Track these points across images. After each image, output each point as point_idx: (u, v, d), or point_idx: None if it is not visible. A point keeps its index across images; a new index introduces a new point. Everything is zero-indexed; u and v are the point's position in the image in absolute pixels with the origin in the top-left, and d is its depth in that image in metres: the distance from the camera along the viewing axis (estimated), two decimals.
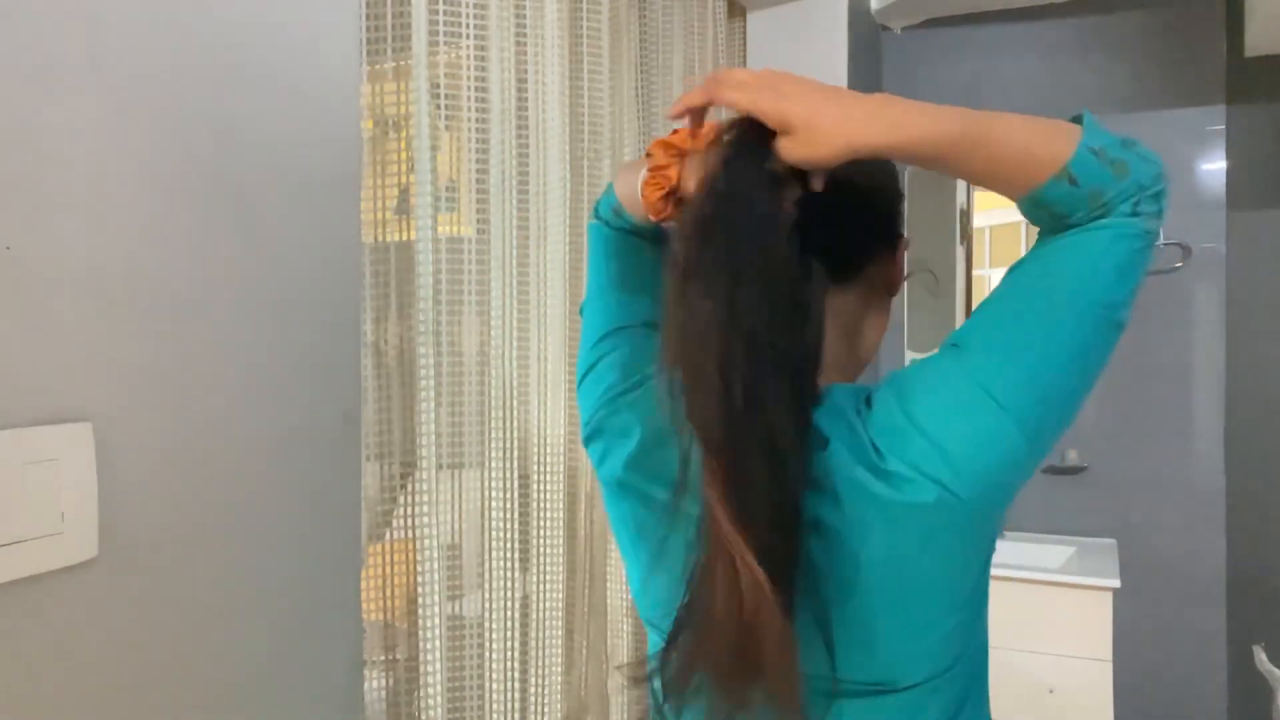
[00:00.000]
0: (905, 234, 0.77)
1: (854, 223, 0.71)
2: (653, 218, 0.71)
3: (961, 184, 2.68)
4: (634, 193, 0.72)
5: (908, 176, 2.71)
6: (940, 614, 0.64)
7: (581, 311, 0.84)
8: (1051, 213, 0.59)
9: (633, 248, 0.79)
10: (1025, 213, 0.62)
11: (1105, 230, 0.57)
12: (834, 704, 0.64)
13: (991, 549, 0.66)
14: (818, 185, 0.62)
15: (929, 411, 0.60)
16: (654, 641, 0.75)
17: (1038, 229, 0.63)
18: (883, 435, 0.61)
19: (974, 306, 2.65)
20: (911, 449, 0.59)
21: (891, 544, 0.61)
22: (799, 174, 0.62)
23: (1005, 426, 0.58)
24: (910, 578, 0.62)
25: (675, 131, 0.70)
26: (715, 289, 0.57)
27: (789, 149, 0.60)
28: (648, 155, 0.70)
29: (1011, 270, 0.62)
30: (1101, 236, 0.57)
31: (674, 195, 0.68)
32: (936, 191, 2.70)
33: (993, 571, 2.40)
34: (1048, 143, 0.57)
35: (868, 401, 0.64)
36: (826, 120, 0.58)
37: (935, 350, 0.66)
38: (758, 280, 0.57)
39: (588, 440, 0.77)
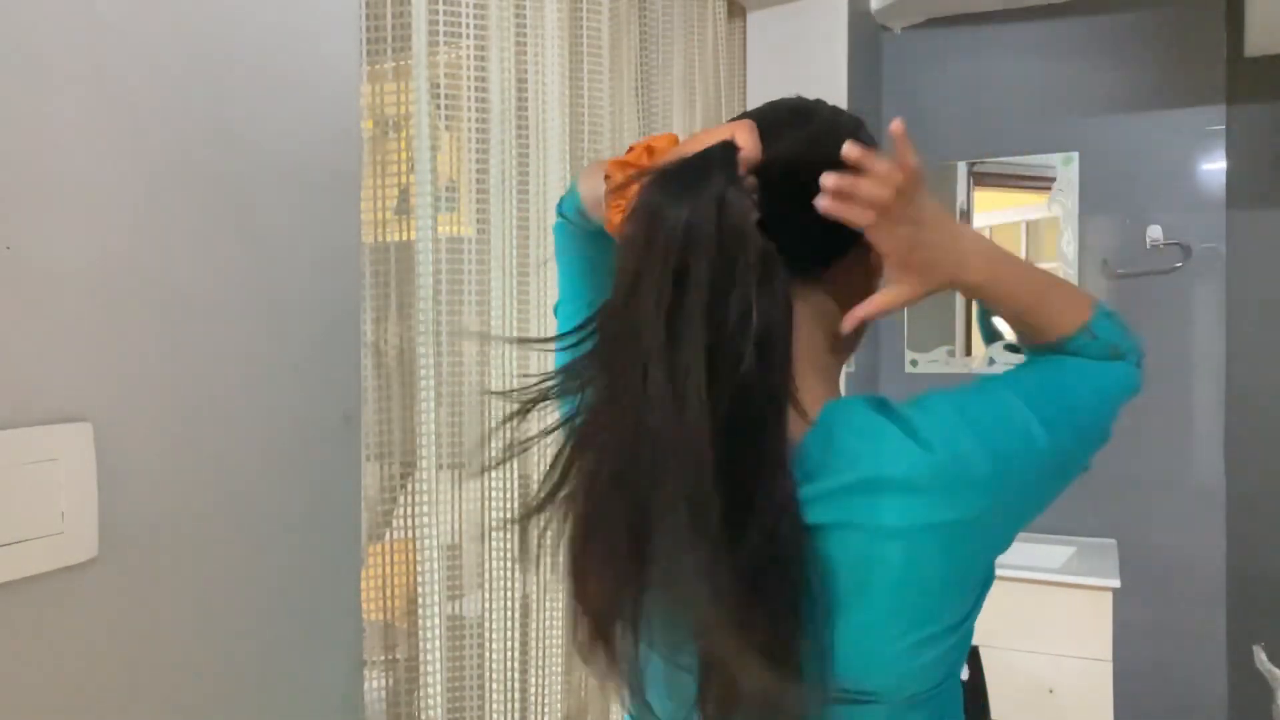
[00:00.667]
0: None
1: (819, 217, 0.66)
2: (611, 233, 0.69)
3: (962, 183, 2.68)
4: (596, 200, 0.71)
5: None
6: (944, 629, 0.63)
7: (556, 312, 0.83)
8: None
9: (601, 244, 0.76)
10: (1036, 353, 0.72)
11: (1119, 367, 0.70)
12: (823, 710, 0.63)
13: (989, 581, 0.67)
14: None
15: (981, 418, 0.62)
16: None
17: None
18: (933, 433, 0.60)
19: (974, 307, 2.66)
20: (963, 448, 0.60)
21: (912, 550, 0.60)
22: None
23: (1041, 439, 0.63)
24: (925, 590, 0.61)
25: (631, 149, 0.69)
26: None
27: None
28: (606, 177, 0.68)
29: (1047, 357, 0.71)
30: (1118, 369, 0.70)
31: None
32: (937, 192, 2.70)
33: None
34: (1075, 301, 0.70)
35: (906, 405, 0.64)
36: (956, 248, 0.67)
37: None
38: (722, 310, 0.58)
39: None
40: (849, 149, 0.61)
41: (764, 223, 0.59)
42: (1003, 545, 0.65)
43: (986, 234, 2.70)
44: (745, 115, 0.72)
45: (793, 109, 0.74)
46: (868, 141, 0.70)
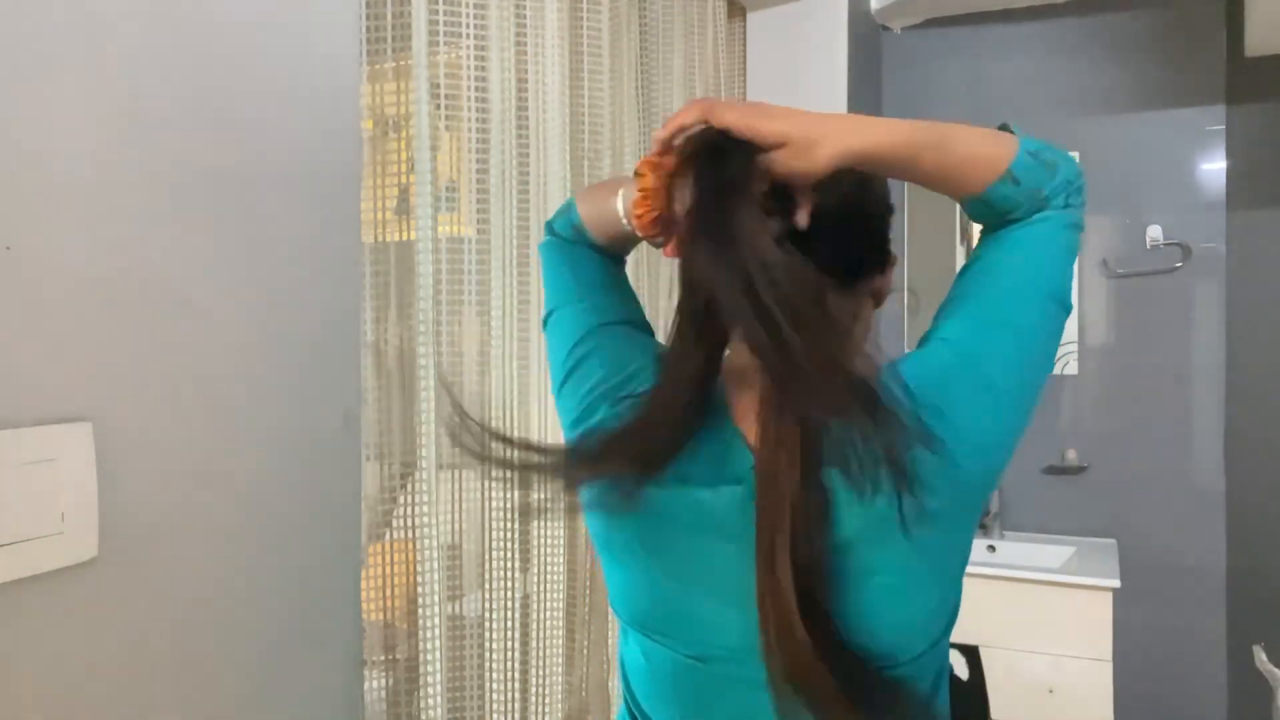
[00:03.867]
0: (894, 254, 0.80)
1: (856, 240, 0.74)
2: (641, 234, 0.72)
3: None
4: (606, 214, 0.75)
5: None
6: (944, 589, 0.67)
7: (545, 326, 0.83)
8: (996, 210, 0.68)
9: (593, 258, 0.81)
10: (972, 212, 0.70)
11: (1046, 222, 0.66)
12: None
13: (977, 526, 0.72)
14: (803, 215, 0.64)
15: (937, 394, 0.64)
16: (638, 639, 0.75)
17: (980, 226, 0.71)
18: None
19: None
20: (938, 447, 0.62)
21: (908, 522, 0.62)
22: (781, 198, 0.64)
23: (999, 401, 0.64)
24: (924, 553, 0.64)
25: (661, 152, 0.69)
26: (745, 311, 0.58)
27: (785, 160, 0.62)
28: (638, 174, 0.69)
29: (975, 264, 0.69)
30: (1044, 228, 0.67)
31: (664, 218, 0.69)
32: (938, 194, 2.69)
33: (993, 571, 2.41)
34: (992, 147, 0.66)
35: None
36: (818, 132, 0.62)
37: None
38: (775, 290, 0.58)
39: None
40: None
41: (810, 240, 0.63)
42: (990, 488, 0.69)
43: None
44: None
45: None
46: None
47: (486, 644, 1.43)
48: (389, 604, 1.35)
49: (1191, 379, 2.45)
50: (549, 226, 0.84)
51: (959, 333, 0.68)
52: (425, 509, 1.33)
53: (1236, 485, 2.40)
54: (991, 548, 2.50)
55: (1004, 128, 0.69)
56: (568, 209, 0.82)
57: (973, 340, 0.67)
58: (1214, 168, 2.43)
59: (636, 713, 0.76)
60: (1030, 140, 0.67)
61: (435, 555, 1.33)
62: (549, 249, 0.84)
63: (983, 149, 0.66)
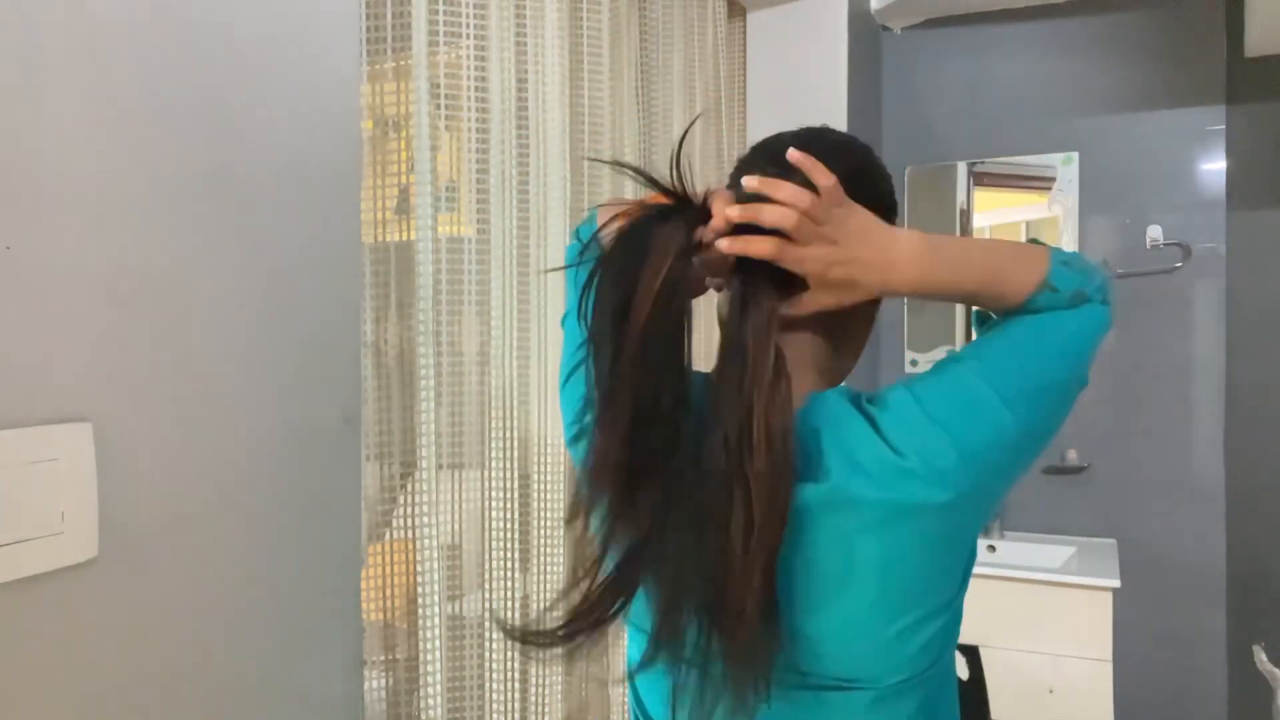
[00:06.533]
0: None
1: None
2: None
3: (961, 184, 2.68)
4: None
5: (906, 175, 2.71)
6: (929, 612, 0.65)
7: (563, 324, 0.84)
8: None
9: None
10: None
11: (1086, 310, 0.69)
12: (807, 696, 0.65)
13: (973, 558, 0.70)
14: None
15: (944, 409, 0.64)
16: (640, 644, 0.75)
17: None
18: (899, 433, 0.63)
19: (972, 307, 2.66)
20: (928, 444, 0.62)
21: (888, 541, 0.62)
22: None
23: (995, 409, 0.63)
24: (903, 577, 0.63)
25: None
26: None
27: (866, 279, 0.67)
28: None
29: (1010, 320, 0.70)
30: (1083, 312, 0.69)
31: None
32: (937, 192, 2.70)
33: (993, 571, 2.41)
34: (1028, 263, 0.68)
35: (870, 401, 0.67)
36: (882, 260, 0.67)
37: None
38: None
39: (574, 439, 0.77)
40: (748, 180, 0.63)
41: None
42: (983, 521, 0.69)
43: (986, 234, 2.70)
44: (763, 147, 0.75)
45: (806, 138, 0.79)
46: (877, 166, 0.77)
47: (486, 644, 1.43)
48: (389, 604, 1.35)
49: (1191, 379, 2.45)
50: (577, 234, 0.86)
51: (975, 351, 0.68)
52: (425, 509, 1.33)
53: (1236, 485, 2.40)
54: (992, 548, 2.50)
55: (1034, 242, 0.72)
56: (591, 218, 0.83)
57: (986, 357, 0.67)
58: (1214, 168, 2.43)
59: (639, 710, 0.77)
60: (1061, 252, 0.70)
61: (435, 555, 1.33)
62: (571, 253, 0.85)
63: (1021, 266, 0.68)
